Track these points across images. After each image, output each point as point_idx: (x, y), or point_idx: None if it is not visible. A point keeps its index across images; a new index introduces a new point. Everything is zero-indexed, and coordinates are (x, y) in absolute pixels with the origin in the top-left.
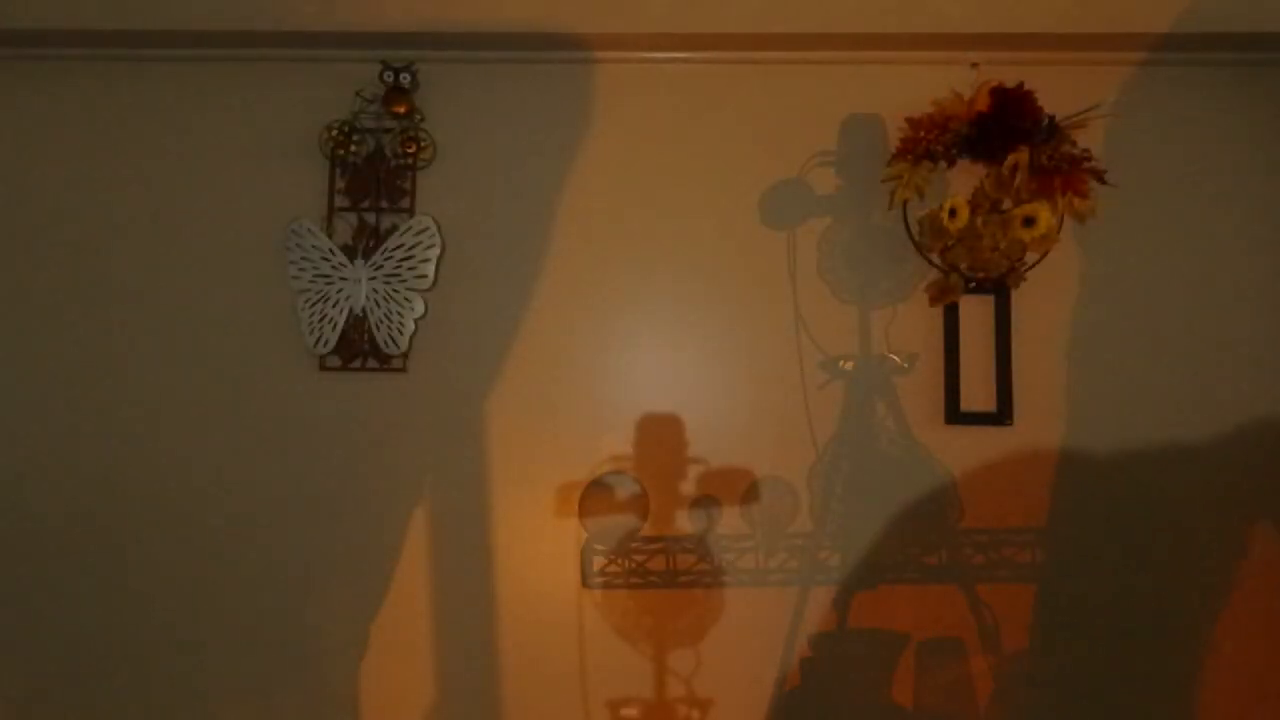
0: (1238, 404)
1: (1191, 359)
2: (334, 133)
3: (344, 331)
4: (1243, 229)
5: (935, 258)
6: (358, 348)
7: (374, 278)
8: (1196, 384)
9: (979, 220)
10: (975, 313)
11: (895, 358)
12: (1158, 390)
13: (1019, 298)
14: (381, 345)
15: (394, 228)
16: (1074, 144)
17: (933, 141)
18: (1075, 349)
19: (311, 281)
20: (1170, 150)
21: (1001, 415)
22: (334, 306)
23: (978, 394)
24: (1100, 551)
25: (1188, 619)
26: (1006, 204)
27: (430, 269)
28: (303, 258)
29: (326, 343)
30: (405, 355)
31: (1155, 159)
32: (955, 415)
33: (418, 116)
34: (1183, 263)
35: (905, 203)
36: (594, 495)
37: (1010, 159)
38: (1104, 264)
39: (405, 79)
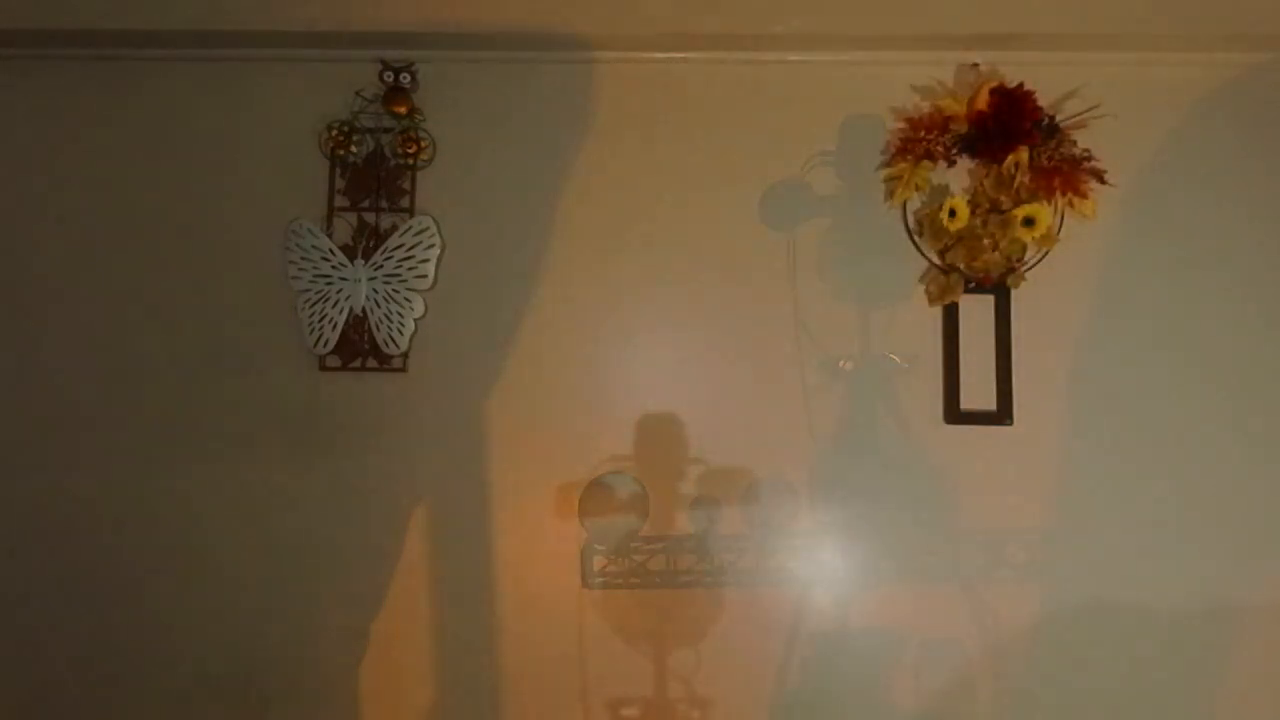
0: (1238, 403)
1: (1192, 359)
2: (334, 133)
3: (344, 331)
4: (1242, 228)
5: (935, 258)
6: (358, 348)
7: (374, 278)
8: (1197, 384)
9: (979, 220)
10: (975, 313)
11: (895, 358)
12: (1158, 390)
13: (1019, 298)
14: (381, 345)
15: (394, 228)
16: (1074, 144)
17: (933, 141)
18: (1075, 349)
19: (311, 281)
20: (1170, 150)
21: (1001, 415)
22: (334, 306)
23: (978, 394)
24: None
25: (1188, 620)
26: (1006, 204)
27: (430, 269)
28: (303, 258)
29: (326, 343)
30: (405, 355)
31: (1155, 159)
32: (955, 415)
33: (418, 116)
34: (1182, 262)
35: (905, 202)
36: (594, 495)
37: (1010, 159)
38: (1104, 264)
39: (405, 79)
